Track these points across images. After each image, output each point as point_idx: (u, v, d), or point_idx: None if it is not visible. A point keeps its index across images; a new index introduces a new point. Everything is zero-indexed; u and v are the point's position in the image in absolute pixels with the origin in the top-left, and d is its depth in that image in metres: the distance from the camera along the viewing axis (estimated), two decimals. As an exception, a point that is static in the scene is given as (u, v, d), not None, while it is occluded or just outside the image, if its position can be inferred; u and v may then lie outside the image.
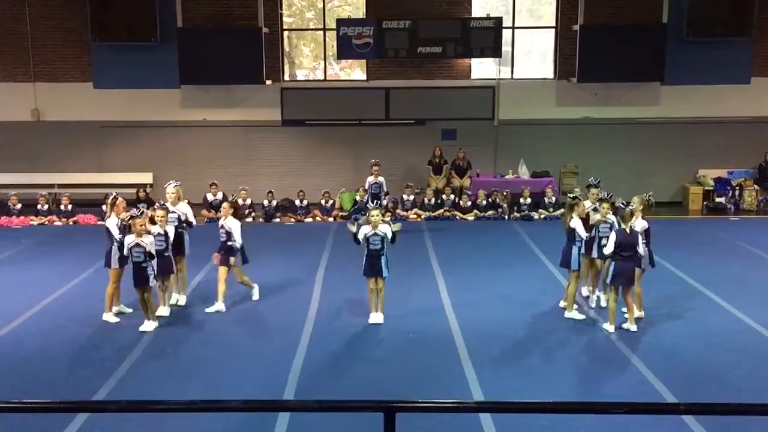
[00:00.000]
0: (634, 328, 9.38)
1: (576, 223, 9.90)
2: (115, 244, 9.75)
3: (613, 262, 9.32)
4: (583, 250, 10.04)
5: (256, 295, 10.80)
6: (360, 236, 9.76)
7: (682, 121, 18.02)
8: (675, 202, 18.05)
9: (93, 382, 8.04)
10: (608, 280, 9.49)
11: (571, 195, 10.80)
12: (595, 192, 10.61)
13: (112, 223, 9.85)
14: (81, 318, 10.05)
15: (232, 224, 10.21)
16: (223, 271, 10.31)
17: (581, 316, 9.93)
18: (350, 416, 6.40)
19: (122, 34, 17.37)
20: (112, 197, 10.11)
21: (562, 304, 10.34)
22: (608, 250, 9.37)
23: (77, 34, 17.79)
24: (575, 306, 10.07)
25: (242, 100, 18.21)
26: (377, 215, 9.75)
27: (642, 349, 8.92)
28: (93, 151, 18.26)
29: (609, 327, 9.41)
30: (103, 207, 16.03)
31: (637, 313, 9.62)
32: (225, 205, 10.45)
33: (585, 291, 10.67)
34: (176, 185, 10.81)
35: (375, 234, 9.64)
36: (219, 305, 10.29)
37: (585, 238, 9.91)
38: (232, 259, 10.26)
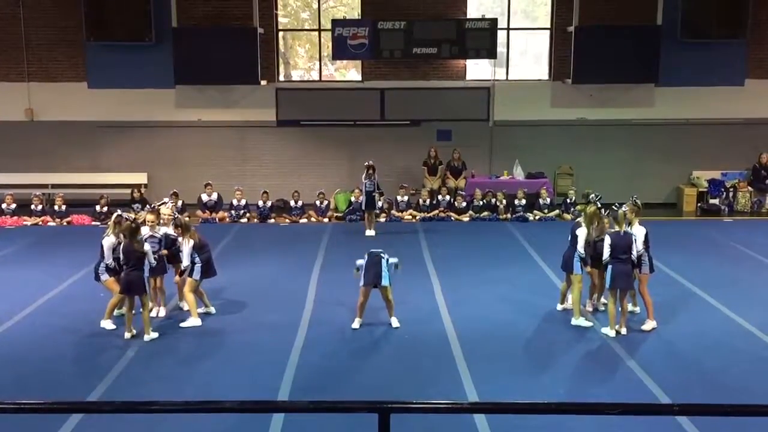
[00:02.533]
0: (624, 331, 9.36)
1: (582, 233, 9.68)
2: (104, 263, 9.64)
3: (610, 266, 9.29)
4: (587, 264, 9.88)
5: (190, 323, 9.77)
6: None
7: (676, 122, 18.08)
8: (669, 203, 18.11)
9: (87, 383, 8.02)
10: (607, 285, 9.41)
11: (594, 198, 10.19)
12: (607, 222, 9.73)
13: (108, 243, 9.60)
14: (75, 318, 10.02)
15: (183, 245, 9.79)
16: (187, 283, 9.91)
17: (588, 324, 9.73)
18: (345, 417, 6.40)
19: (117, 33, 17.33)
20: (116, 215, 9.86)
21: (559, 307, 10.33)
22: (605, 255, 9.28)
23: (72, 33, 17.74)
24: (588, 310, 9.98)
25: (237, 100, 18.20)
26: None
27: (637, 350, 8.94)
28: (87, 151, 18.22)
29: (609, 331, 9.36)
30: (97, 207, 16.19)
31: (651, 324, 9.54)
32: (172, 227, 9.96)
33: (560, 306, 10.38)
34: (172, 204, 10.60)
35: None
36: (208, 309, 10.20)
37: (582, 254, 9.69)
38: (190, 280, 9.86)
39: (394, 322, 9.78)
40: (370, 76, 18.35)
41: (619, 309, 9.40)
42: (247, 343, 9.32)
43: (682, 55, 17.54)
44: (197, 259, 9.77)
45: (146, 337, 9.26)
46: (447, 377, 8.24)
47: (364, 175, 14.96)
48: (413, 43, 17.31)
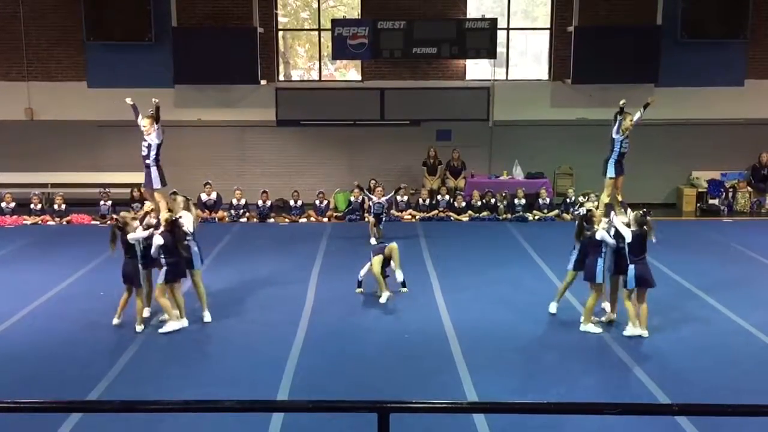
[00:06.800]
0: (638, 331, 9.26)
1: (602, 234, 9.31)
2: (139, 258, 9.51)
3: (632, 267, 9.10)
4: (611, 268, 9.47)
5: (169, 327, 9.50)
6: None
7: (675, 122, 18.06)
8: (668, 203, 18.11)
9: (86, 382, 8.01)
10: (629, 286, 9.20)
11: (582, 201, 10.00)
12: (630, 118, 10.40)
13: (134, 237, 9.44)
14: (74, 318, 10.01)
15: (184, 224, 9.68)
16: (156, 290, 9.62)
17: (597, 330, 9.48)
18: (344, 417, 6.40)
19: (117, 33, 17.34)
20: (114, 222, 9.90)
21: (582, 328, 9.67)
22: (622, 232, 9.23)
23: (72, 32, 17.73)
24: (593, 318, 9.66)
25: (237, 100, 18.19)
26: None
27: (636, 351, 8.93)
28: (87, 150, 18.20)
29: (633, 330, 9.24)
30: (102, 203, 16.18)
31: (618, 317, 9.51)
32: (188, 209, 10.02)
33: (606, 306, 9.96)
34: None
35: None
36: (180, 319, 9.69)
37: (613, 246, 9.30)
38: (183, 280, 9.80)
39: (383, 298, 10.60)
40: (370, 76, 18.34)
41: (630, 308, 9.29)
42: (247, 343, 9.31)
43: (682, 55, 17.54)
44: (164, 260, 9.34)
45: (138, 328, 9.49)
46: (446, 377, 8.23)
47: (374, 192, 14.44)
48: (413, 43, 17.32)
